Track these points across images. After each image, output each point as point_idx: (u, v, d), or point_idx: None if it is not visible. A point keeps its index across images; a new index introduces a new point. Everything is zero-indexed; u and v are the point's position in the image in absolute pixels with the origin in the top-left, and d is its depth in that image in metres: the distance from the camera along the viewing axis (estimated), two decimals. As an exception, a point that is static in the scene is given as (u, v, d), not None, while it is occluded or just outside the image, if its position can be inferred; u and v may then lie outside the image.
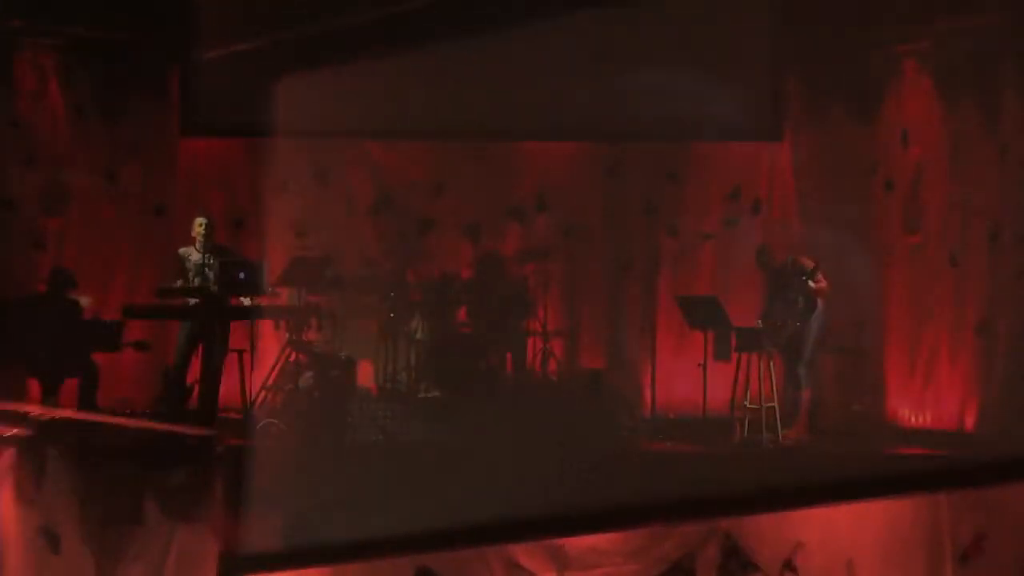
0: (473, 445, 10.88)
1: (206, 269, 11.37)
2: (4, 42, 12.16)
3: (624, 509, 9.70)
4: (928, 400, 12.02)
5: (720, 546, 10.01)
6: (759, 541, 10.05)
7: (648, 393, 12.46)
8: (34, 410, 10.15)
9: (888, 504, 10.01)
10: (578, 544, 9.84)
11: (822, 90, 12.66)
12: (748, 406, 11.69)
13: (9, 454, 9.73)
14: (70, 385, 11.42)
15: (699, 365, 11.88)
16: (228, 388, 11.46)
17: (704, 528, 9.96)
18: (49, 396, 11.21)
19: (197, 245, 11.48)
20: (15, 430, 9.90)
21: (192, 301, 11.39)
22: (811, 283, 11.73)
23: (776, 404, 11.58)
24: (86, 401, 11.29)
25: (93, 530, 9.57)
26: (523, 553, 9.79)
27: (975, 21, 11.57)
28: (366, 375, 12.28)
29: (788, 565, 10.06)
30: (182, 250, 11.56)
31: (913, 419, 12.11)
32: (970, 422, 11.72)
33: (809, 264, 11.78)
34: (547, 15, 11.24)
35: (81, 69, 12.52)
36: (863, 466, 10.46)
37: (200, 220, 11.55)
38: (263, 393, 11.63)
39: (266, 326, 12.22)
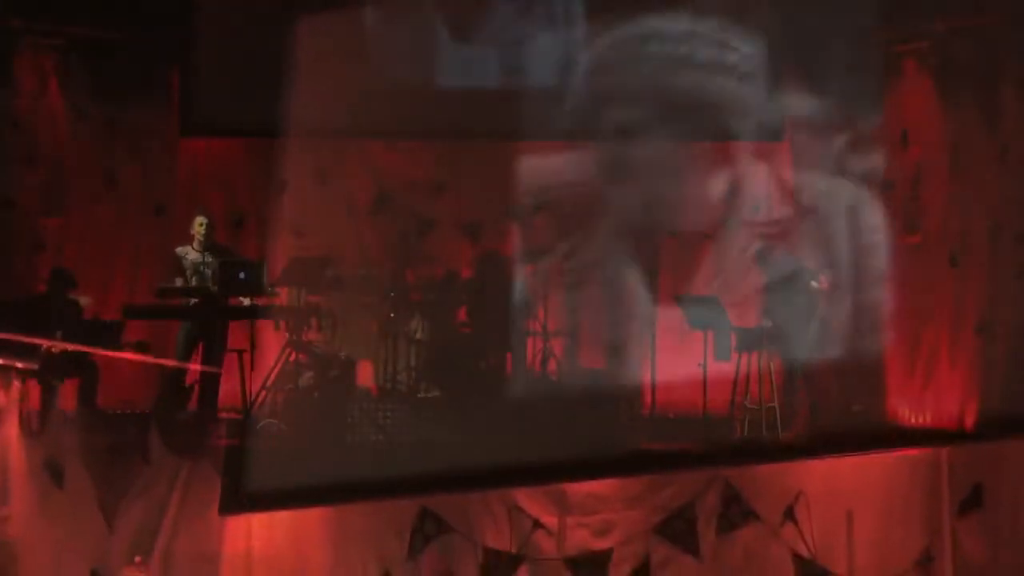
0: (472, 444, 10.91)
1: (204, 268, 11.38)
2: (4, 42, 12.17)
3: (626, 457, 9.77)
4: (928, 400, 12.01)
5: (721, 494, 10.11)
6: (760, 490, 10.17)
7: (648, 393, 12.45)
8: (42, 343, 10.22)
9: (888, 457, 10.11)
10: (579, 490, 9.92)
11: (822, 90, 12.63)
12: (748, 406, 11.68)
13: (15, 387, 9.80)
14: (70, 385, 11.42)
15: (699, 365, 11.88)
16: (228, 388, 11.47)
17: (705, 476, 10.04)
18: (49, 396, 11.20)
19: (195, 244, 11.49)
20: (22, 363, 9.98)
21: (192, 301, 11.40)
22: (813, 283, 11.74)
23: (776, 404, 11.57)
24: (86, 401, 11.28)
25: (97, 465, 9.64)
26: (524, 497, 9.85)
27: (975, 21, 11.58)
28: (366, 375, 12.28)
29: (789, 514, 10.14)
30: (179, 249, 11.56)
31: (913, 419, 12.10)
32: (970, 422, 11.70)
33: (809, 264, 11.78)
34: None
35: (81, 69, 12.52)
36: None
37: (200, 220, 11.56)
38: (263, 393, 11.63)
39: (266, 326, 12.21)
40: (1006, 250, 11.53)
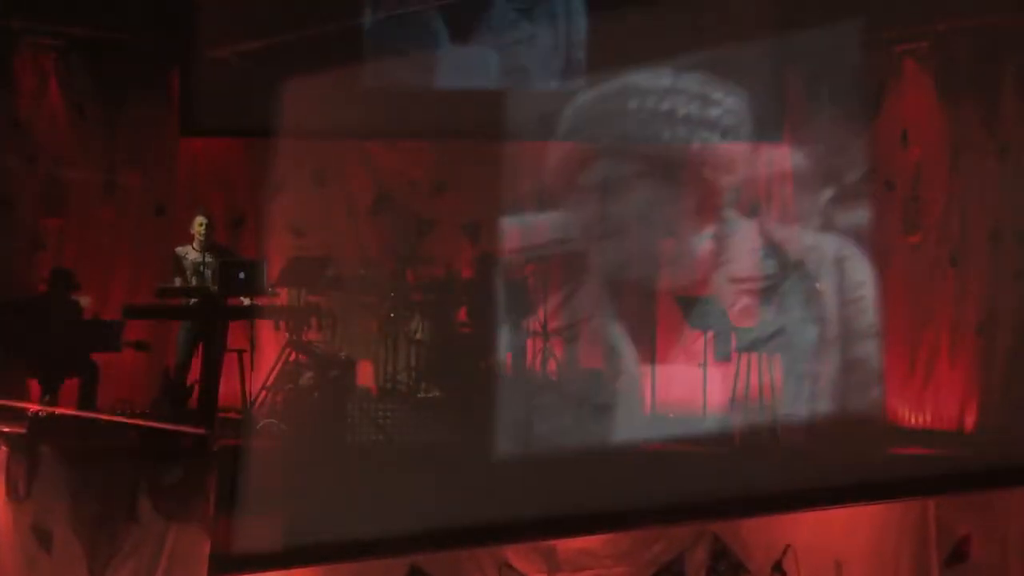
0: (472, 445, 10.89)
1: (203, 268, 11.37)
2: (4, 42, 12.16)
3: (615, 511, 9.70)
4: (928, 400, 12.01)
5: (709, 548, 10.07)
6: (748, 543, 10.11)
7: (648, 393, 12.44)
8: (29, 407, 10.14)
9: (876, 508, 10.06)
10: (569, 546, 9.88)
11: (822, 90, 12.64)
12: (748, 406, 11.68)
13: (2, 452, 9.73)
14: (70, 385, 11.41)
15: (699, 365, 11.88)
16: (228, 388, 11.45)
17: (693, 530, 10.01)
18: (49, 396, 11.20)
19: (195, 244, 11.48)
20: (8, 428, 9.90)
21: (192, 301, 11.40)
22: (817, 285, 11.75)
23: (776, 404, 11.58)
24: (86, 401, 11.28)
25: (85, 528, 9.58)
26: (514, 554, 9.81)
27: (975, 21, 11.59)
28: (366, 375, 12.28)
29: (777, 567, 10.12)
30: (179, 249, 11.55)
31: (913, 419, 12.10)
32: (970, 422, 11.72)
33: (807, 264, 11.79)
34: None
35: (81, 69, 12.50)
36: (858, 470, 10.41)
37: (200, 219, 11.55)
38: (263, 393, 11.64)
39: (266, 326, 12.22)
40: (1006, 250, 11.54)
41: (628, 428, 11.58)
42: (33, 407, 10.31)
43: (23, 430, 10.10)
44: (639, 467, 10.66)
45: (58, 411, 10.39)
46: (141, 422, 10.24)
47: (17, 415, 10.24)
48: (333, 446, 11.15)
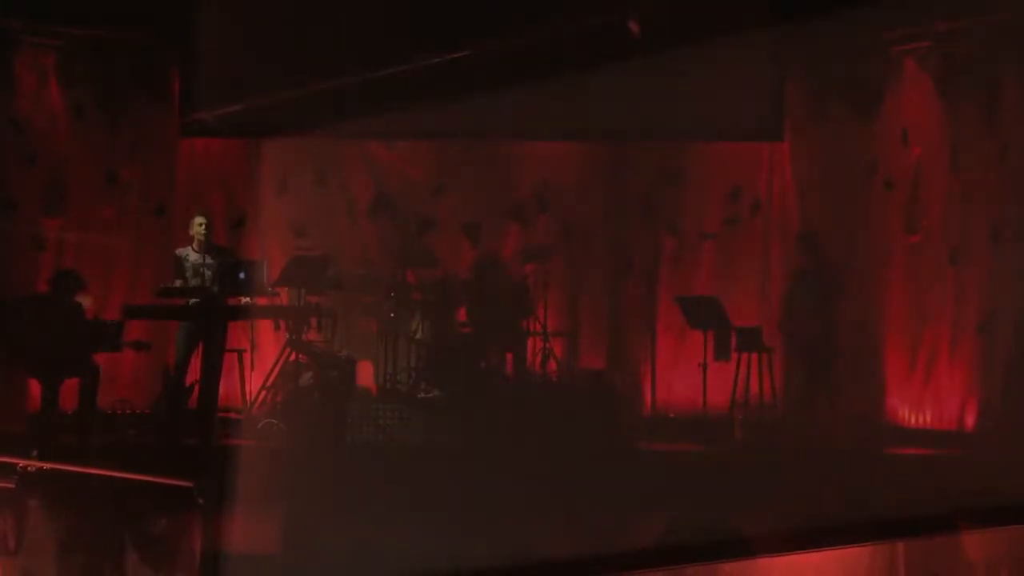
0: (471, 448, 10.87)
1: (204, 269, 11.38)
2: (4, 42, 12.16)
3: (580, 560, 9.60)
4: (928, 400, 12.01)
5: None
6: None
7: (648, 393, 12.46)
8: (18, 462, 10.12)
9: (846, 551, 10.02)
10: None
11: (822, 90, 12.64)
12: (748, 406, 11.70)
13: None
14: (70, 385, 11.41)
15: (699, 365, 11.90)
16: (228, 388, 11.46)
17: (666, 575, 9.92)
18: (49, 396, 11.19)
19: (195, 245, 11.49)
20: None
21: (192, 301, 11.40)
22: (810, 283, 11.77)
23: (776, 404, 11.59)
24: (86, 401, 11.28)
25: None
26: None
27: (975, 21, 11.58)
28: (366, 375, 12.29)
29: None
30: (179, 251, 11.57)
31: (913, 419, 12.10)
32: (970, 422, 11.71)
33: (805, 264, 11.83)
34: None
35: (81, 69, 12.51)
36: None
37: (199, 219, 11.56)
38: (263, 393, 11.65)
39: (266, 326, 12.22)
40: (1006, 250, 11.52)
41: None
42: (22, 462, 10.28)
43: (12, 485, 10.09)
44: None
45: (47, 466, 10.34)
46: (130, 475, 10.12)
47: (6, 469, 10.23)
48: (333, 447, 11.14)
